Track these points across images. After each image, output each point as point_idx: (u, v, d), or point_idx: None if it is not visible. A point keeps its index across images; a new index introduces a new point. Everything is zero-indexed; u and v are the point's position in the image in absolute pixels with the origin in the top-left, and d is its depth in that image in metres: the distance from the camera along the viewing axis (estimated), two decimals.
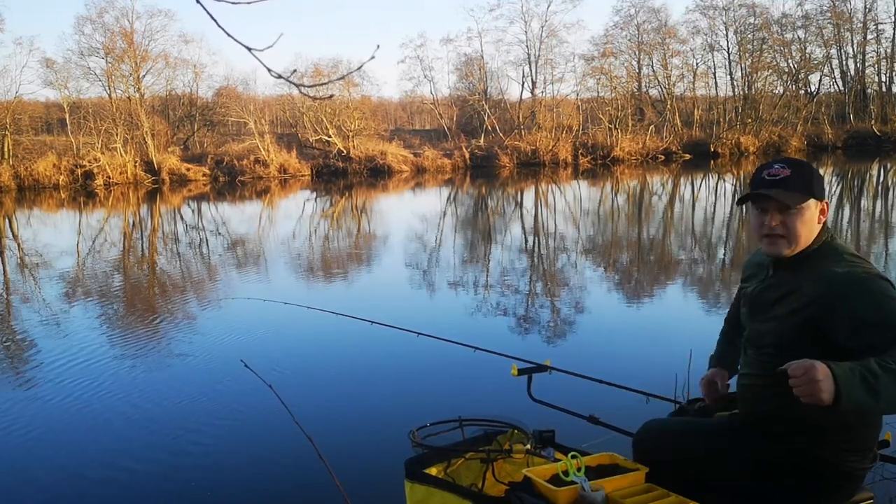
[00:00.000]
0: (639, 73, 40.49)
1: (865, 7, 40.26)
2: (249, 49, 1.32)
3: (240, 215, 20.60)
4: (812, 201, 2.12)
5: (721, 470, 2.22)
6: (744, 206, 2.27)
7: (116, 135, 29.58)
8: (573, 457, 2.19)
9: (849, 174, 26.39)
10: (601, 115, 35.95)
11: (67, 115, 31.46)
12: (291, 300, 9.53)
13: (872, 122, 38.24)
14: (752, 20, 39.25)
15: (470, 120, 38.70)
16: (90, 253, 13.56)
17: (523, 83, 39.69)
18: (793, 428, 2.10)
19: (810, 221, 2.12)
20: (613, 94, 37.78)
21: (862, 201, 18.35)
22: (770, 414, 2.15)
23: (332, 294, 9.47)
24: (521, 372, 2.91)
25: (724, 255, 11.44)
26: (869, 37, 40.76)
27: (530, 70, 38.49)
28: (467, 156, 33.36)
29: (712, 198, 18.02)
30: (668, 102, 38.11)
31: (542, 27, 38.30)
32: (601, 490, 2.08)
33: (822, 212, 2.15)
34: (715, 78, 40.37)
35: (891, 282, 1.99)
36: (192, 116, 36.27)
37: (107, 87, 32.64)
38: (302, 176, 31.18)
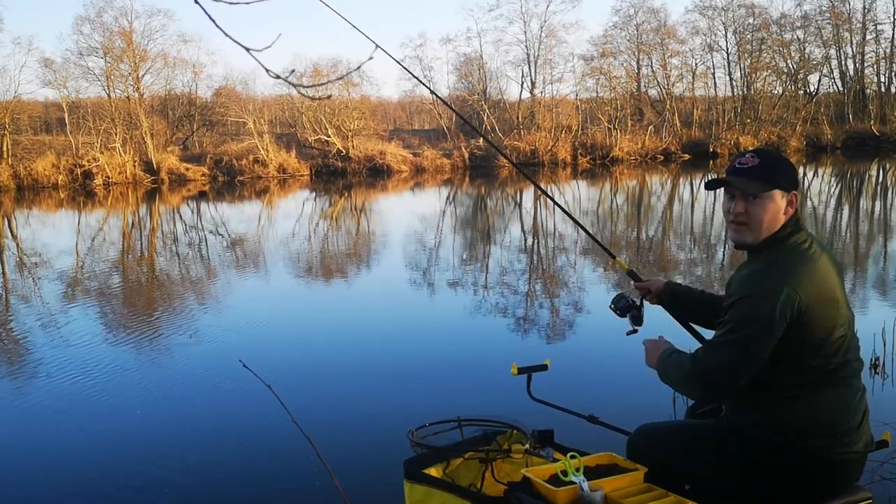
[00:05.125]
0: (638, 73, 40.47)
1: (864, 7, 40.23)
2: (247, 49, 1.32)
3: (239, 215, 20.59)
4: (777, 192, 2.15)
5: (714, 470, 2.24)
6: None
7: (115, 134, 29.53)
8: (572, 457, 2.19)
9: (848, 174, 26.39)
10: (600, 115, 35.93)
11: (66, 115, 31.43)
12: (291, 300, 9.54)
13: (871, 122, 38.19)
14: (751, 20, 39.25)
15: (469, 120, 38.67)
16: (89, 253, 13.55)
17: (522, 83, 39.72)
18: (763, 423, 2.13)
19: (773, 211, 2.15)
20: (612, 95, 37.73)
21: (861, 201, 18.36)
22: (744, 411, 2.19)
23: (332, 294, 9.47)
24: (520, 371, 2.91)
25: (723, 254, 11.43)
26: (868, 37, 40.73)
27: (529, 70, 38.48)
28: (466, 156, 33.34)
29: (711, 198, 18.02)
30: (668, 102, 38.08)
31: (542, 27, 38.24)
32: (600, 490, 2.08)
33: (791, 203, 2.17)
34: (714, 78, 40.38)
35: (790, 282, 2.02)
36: (192, 116, 36.21)
37: (106, 87, 32.63)
38: (301, 176, 31.16)
